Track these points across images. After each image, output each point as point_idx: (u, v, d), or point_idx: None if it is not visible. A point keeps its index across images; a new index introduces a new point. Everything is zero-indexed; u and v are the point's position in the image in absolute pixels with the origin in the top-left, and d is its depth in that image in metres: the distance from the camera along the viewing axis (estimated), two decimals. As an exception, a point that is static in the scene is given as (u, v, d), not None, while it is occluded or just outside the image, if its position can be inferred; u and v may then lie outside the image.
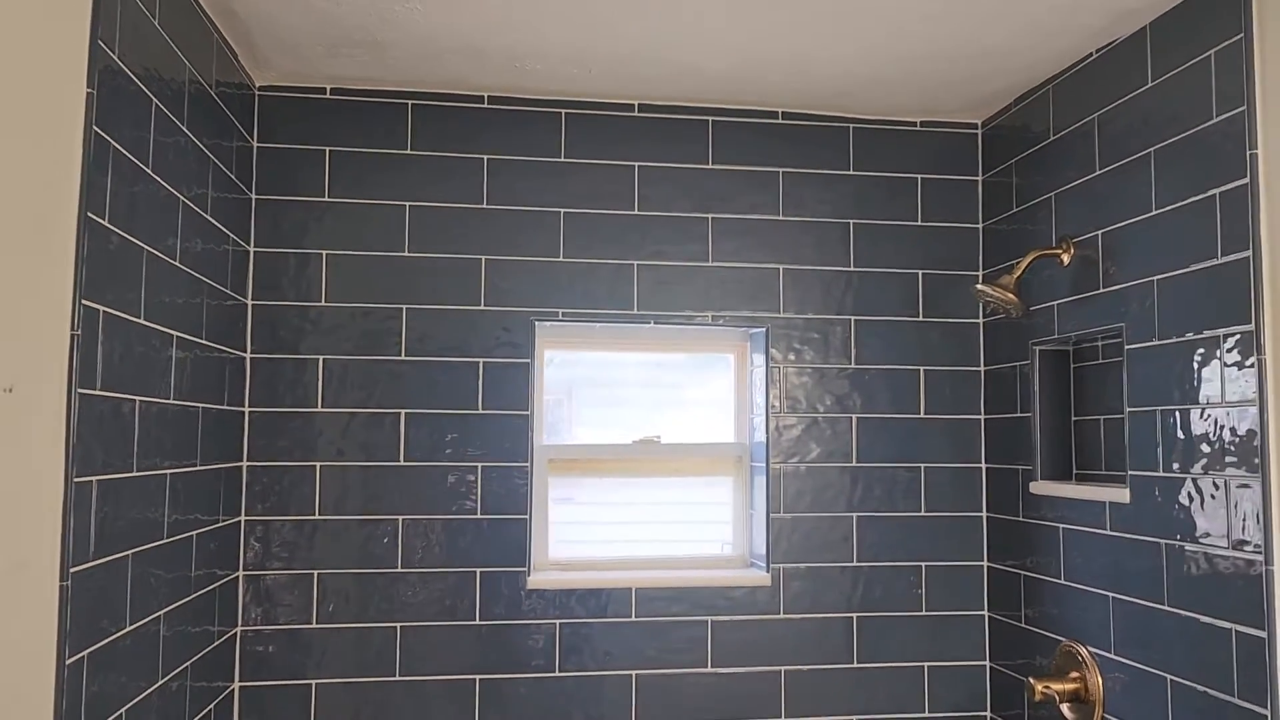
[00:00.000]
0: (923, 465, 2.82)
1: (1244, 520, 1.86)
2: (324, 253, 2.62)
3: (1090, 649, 2.33)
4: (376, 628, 2.57)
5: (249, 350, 2.57)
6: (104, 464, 1.64)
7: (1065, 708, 2.38)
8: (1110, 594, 2.26)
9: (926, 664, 2.77)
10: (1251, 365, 1.85)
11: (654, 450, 2.87)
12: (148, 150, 1.82)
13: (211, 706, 2.31)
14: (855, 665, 2.74)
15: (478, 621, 2.60)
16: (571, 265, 2.71)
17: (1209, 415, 1.95)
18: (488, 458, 2.64)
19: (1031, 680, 2.35)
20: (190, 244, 2.08)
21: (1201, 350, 1.97)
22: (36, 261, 1.45)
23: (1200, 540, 1.97)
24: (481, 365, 2.66)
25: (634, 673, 2.65)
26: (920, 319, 2.85)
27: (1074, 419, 2.60)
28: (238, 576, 2.52)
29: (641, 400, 2.97)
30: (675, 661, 2.67)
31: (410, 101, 2.68)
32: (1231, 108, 1.91)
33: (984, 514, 2.83)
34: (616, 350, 2.92)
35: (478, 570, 2.61)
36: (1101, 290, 2.30)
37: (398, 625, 2.58)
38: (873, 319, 2.83)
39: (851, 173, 2.85)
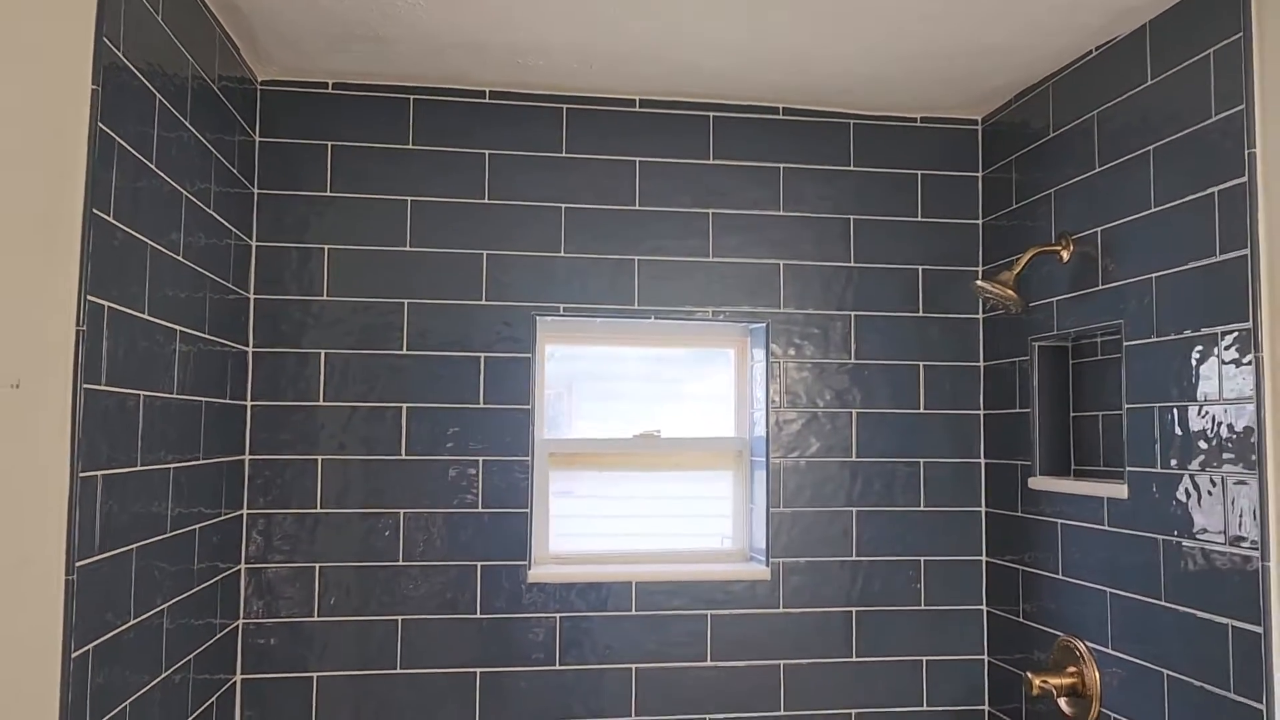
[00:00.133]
0: (922, 460, 2.83)
1: (1241, 516, 1.87)
2: (325, 247, 2.63)
3: (1088, 644, 2.34)
4: (378, 621, 2.58)
5: (251, 344, 2.58)
6: (109, 458, 1.65)
7: (1063, 702, 2.39)
8: (1108, 589, 2.27)
9: (925, 658, 2.79)
10: (1249, 362, 1.86)
11: (654, 444, 2.88)
12: (151, 146, 1.83)
13: (214, 699, 2.32)
14: (854, 659, 2.76)
15: (478, 615, 2.62)
16: (572, 260, 2.72)
17: (1207, 412, 1.96)
18: (488, 452, 2.65)
19: (1029, 675, 2.37)
20: (193, 239, 2.09)
21: (1200, 347, 1.99)
22: (42, 258, 1.46)
23: (1197, 536, 1.98)
24: (482, 359, 2.67)
25: (634, 666, 2.67)
26: (920, 314, 2.86)
27: (1073, 415, 2.61)
28: (240, 570, 2.54)
29: (641, 395, 2.98)
30: (675, 655, 2.69)
31: (412, 96, 2.68)
32: (1230, 106, 1.92)
33: (983, 509, 2.85)
34: (617, 345, 2.93)
35: (479, 564, 2.63)
36: (1101, 287, 2.31)
37: (399, 618, 2.59)
38: (873, 314, 2.84)
39: (852, 168, 2.85)
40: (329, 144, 2.64)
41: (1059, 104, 2.51)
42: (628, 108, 2.77)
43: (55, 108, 1.49)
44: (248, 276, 2.57)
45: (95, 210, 1.57)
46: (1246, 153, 1.87)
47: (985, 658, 2.81)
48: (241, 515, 2.54)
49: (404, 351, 2.64)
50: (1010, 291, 2.46)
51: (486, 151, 2.70)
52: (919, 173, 2.88)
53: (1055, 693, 2.37)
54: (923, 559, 2.81)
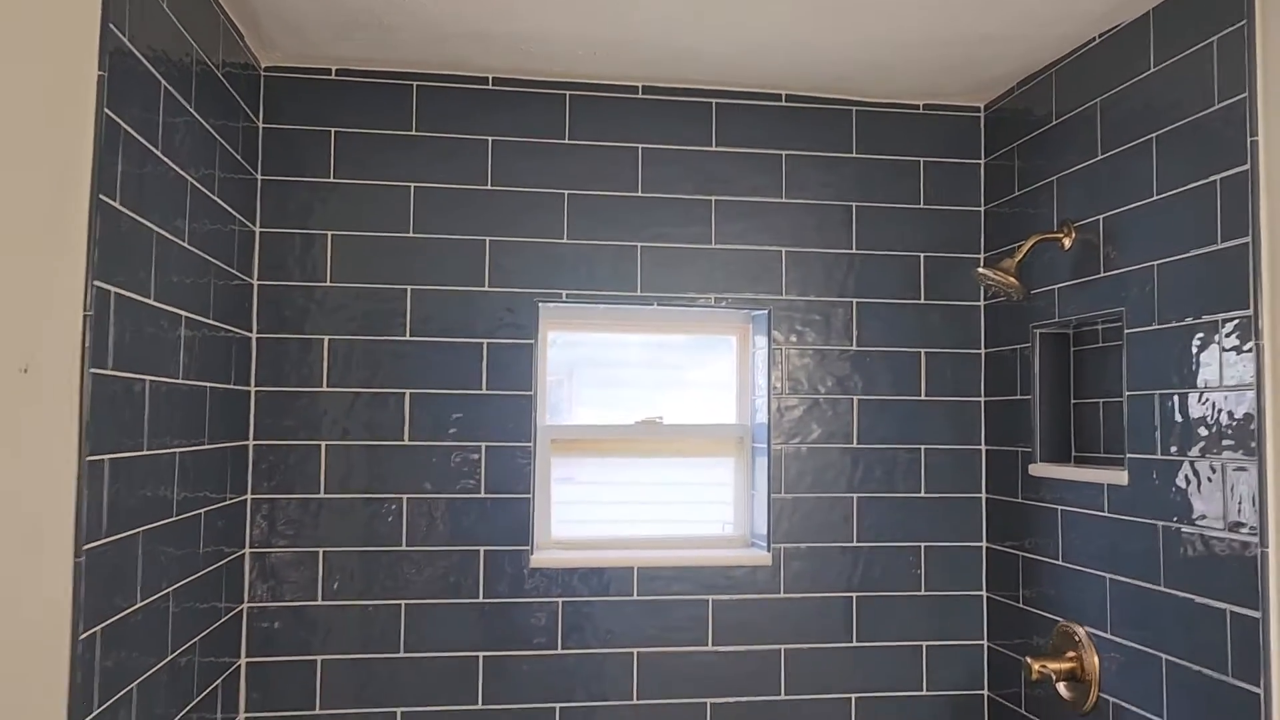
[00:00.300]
0: (923, 447, 2.84)
1: (1240, 502, 1.88)
2: (329, 233, 2.63)
3: (1087, 629, 2.36)
4: (381, 605, 2.60)
5: (255, 330, 2.59)
6: (116, 443, 1.67)
7: (1061, 687, 2.41)
8: (1107, 575, 2.29)
9: (925, 643, 2.81)
10: (1249, 350, 1.87)
11: (656, 431, 2.89)
12: (156, 132, 1.83)
13: (219, 681, 2.34)
14: (854, 644, 2.78)
15: (481, 599, 2.63)
16: (575, 247, 2.73)
17: (1207, 399, 1.97)
18: (491, 437, 2.66)
19: (1029, 659, 2.38)
20: (198, 224, 2.10)
21: (1200, 335, 1.99)
22: (50, 243, 1.47)
23: (1197, 522, 1.99)
24: (485, 346, 2.67)
25: (635, 650, 2.69)
26: (921, 301, 2.86)
27: (1073, 402, 2.62)
28: (244, 554, 2.55)
29: (643, 381, 2.99)
30: (676, 640, 2.70)
31: (415, 83, 2.68)
32: (1233, 94, 1.92)
33: (983, 495, 2.86)
34: (619, 332, 2.94)
35: (481, 549, 2.64)
36: (1102, 274, 2.32)
37: (402, 603, 2.60)
38: (874, 301, 2.84)
39: (854, 155, 2.86)
40: (332, 130, 2.65)
41: (1062, 91, 2.51)
42: (630, 94, 2.77)
43: (61, 93, 1.50)
44: (251, 262, 2.57)
45: (102, 196, 1.58)
46: (1249, 140, 1.88)
47: (985, 643, 2.83)
48: (246, 500, 2.55)
49: (407, 337, 2.64)
50: (1012, 279, 2.46)
51: (489, 138, 2.70)
52: (921, 160, 2.88)
53: (1054, 677, 2.39)
54: (923, 545, 2.82)
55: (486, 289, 2.68)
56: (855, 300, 2.84)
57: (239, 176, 2.43)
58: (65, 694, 1.51)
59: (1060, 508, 2.48)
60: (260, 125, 2.62)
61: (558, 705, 2.64)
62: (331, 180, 2.64)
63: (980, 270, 2.51)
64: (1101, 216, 2.33)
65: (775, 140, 2.82)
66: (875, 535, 2.81)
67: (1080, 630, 2.38)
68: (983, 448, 2.87)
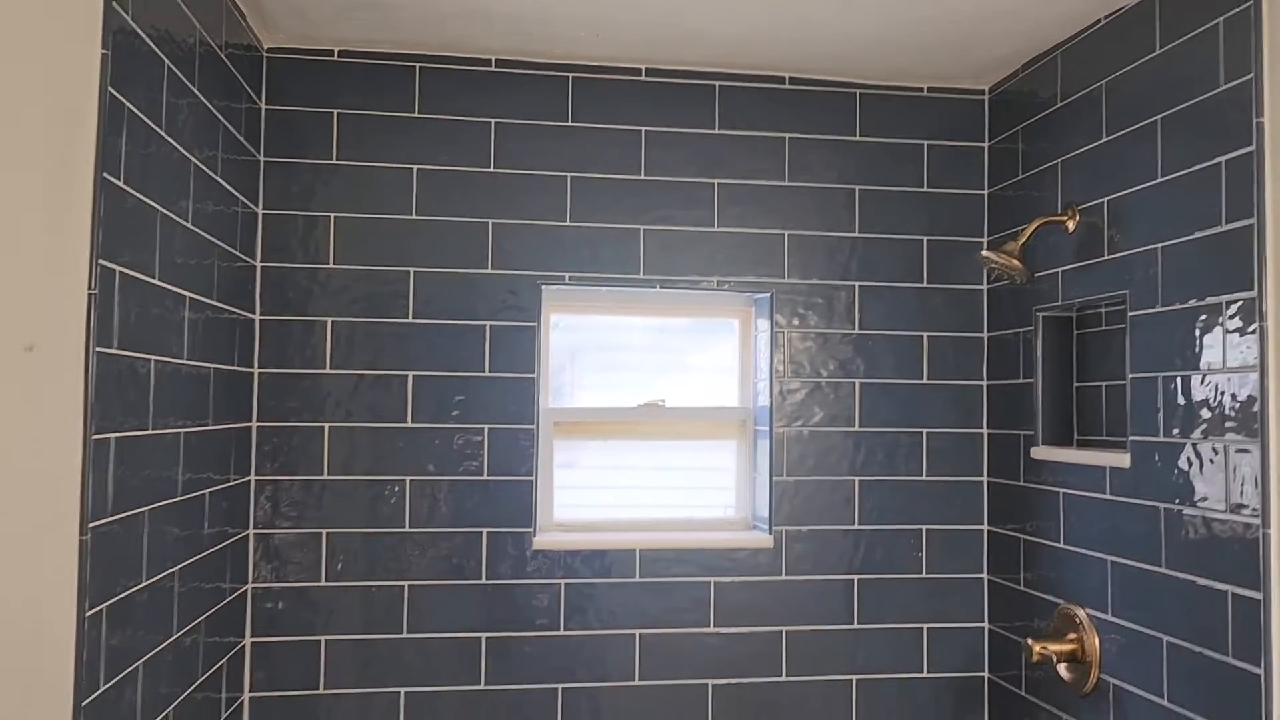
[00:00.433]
0: (925, 430, 2.85)
1: (1242, 484, 1.89)
2: (331, 215, 2.63)
3: (1088, 611, 2.37)
4: (384, 586, 2.61)
5: (258, 312, 2.59)
6: (121, 422, 1.67)
7: (1062, 668, 2.42)
8: (1109, 557, 2.29)
9: (926, 625, 2.82)
10: (1253, 331, 1.87)
11: (659, 414, 2.90)
12: (160, 112, 1.83)
13: (224, 661, 2.35)
14: (855, 626, 2.79)
15: (484, 581, 2.64)
16: (578, 229, 2.72)
17: (1210, 381, 1.98)
18: (494, 420, 2.66)
19: (1029, 641, 2.39)
20: (201, 206, 2.09)
21: (1204, 317, 1.99)
22: (55, 221, 1.47)
23: (1199, 504, 2.00)
24: (488, 328, 2.68)
25: (637, 632, 2.70)
26: (924, 285, 2.86)
27: (1076, 385, 2.62)
28: (248, 535, 2.56)
29: (645, 365, 2.99)
30: (678, 621, 2.71)
31: (418, 64, 2.67)
32: (1239, 75, 1.92)
33: (985, 479, 2.87)
34: (622, 314, 2.94)
35: (484, 530, 2.65)
36: (1106, 257, 2.32)
37: (405, 584, 2.61)
38: (877, 284, 2.84)
39: (858, 138, 2.85)
40: (335, 112, 2.64)
41: (1067, 73, 2.51)
42: (634, 77, 2.76)
43: (65, 72, 1.50)
44: (254, 244, 2.57)
45: (106, 175, 1.58)
46: (1254, 122, 1.87)
47: (985, 625, 2.84)
48: (249, 481, 2.56)
49: (409, 320, 2.65)
50: (1015, 261, 2.46)
51: (492, 120, 2.70)
52: (925, 143, 2.88)
53: (1055, 659, 2.40)
54: (924, 528, 2.83)
55: (489, 271, 2.68)
56: (858, 283, 2.84)
57: (242, 158, 2.43)
58: (71, 671, 1.52)
59: (1062, 490, 2.49)
60: (263, 107, 2.61)
61: (560, 686, 2.66)
62: (334, 162, 2.64)
63: (984, 253, 2.51)
64: (1106, 199, 2.33)
65: (778, 123, 2.82)
66: (877, 518, 2.81)
67: (1081, 612, 2.38)
68: (984, 431, 2.87)
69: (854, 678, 2.78)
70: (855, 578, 2.79)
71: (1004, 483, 2.77)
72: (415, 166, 2.66)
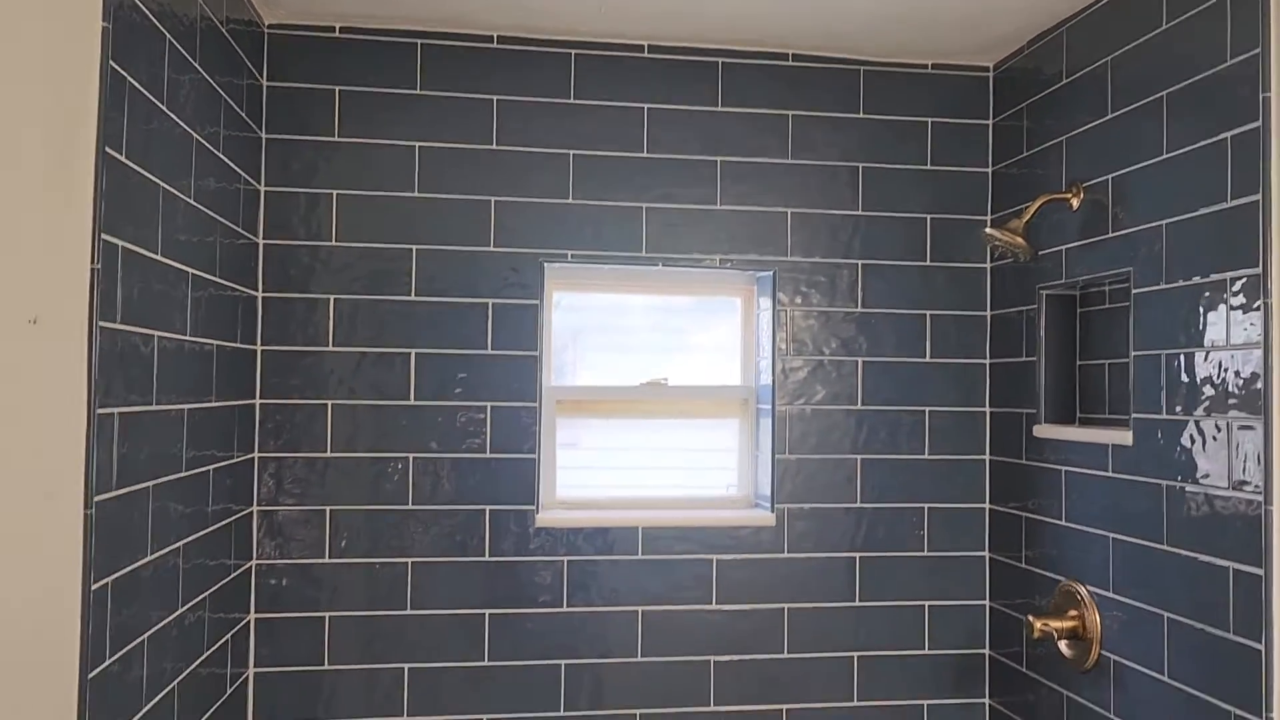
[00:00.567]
0: (927, 408, 2.85)
1: (1245, 461, 1.89)
2: (334, 192, 2.62)
3: (1089, 588, 2.37)
4: (387, 563, 2.62)
5: (260, 289, 2.58)
6: (125, 397, 1.67)
7: (1063, 645, 2.43)
8: (1110, 535, 2.30)
9: (927, 603, 2.83)
10: (1258, 308, 1.86)
11: (661, 392, 2.90)
12: (162, 87, 1.82)
13: (228, 637, 2.36)
14: (857, 604, 2.80)
15: (487, 558, 2.65)
16: (580, 207, 2.72)
17: (1213, 358, 1.97)
18: (496, 397, 2.67)
19: (1031, 618, 2.40)
20: (204, 182, 2.09)
21: (1208, 294, 1.99)
22: (57, 195, 1.47)
23: (1201, 481, 2.00)
24: (491, 306, 2.67)
25: (640, 609, 2.71)
26: (927, 263, 2.86)
27: (1079, 363, 2.62)
28: (252, 511, 2.57)
29: (647, 346, 2.99)
30: (681, 598, 2.72)
31: (420, 41, 2.66)
32: (1246, 50, 1.90)
33: (987, 457, 2.87)
34: (624, 292, 2.94)
35: (487, 508, 2.65)
36: (1110, 235, 2.31)
37: (408, 561, 2.62)
38: (880, 263, 2.84)
39: (861, 116, 2.84)
40: (336, 88, 2.63)
41: (1072, 50, 2.49)
42: (636, 53, 2.75)
43: (66, 45, 1.49)
44: (256, 221, 2.57)
45: (108, 149, 1.57)
46: (1261, 97, 1.86)
47: (987, 603, 2.85)
48: (253, 458, 2.56)
49: (412, 297, 2.64)
50: (1019, 239, 2.46)
51: (494, 97, 2.69)
52: (929, 120, 2.87)
53: (1056, 636, 2.41)
54: (926, 506, 2.84)
55: (491, 249, 2.68)
56: (860, 262, 2.83)
57: (243, 134, 2.42)
58: (77, 645, 1.52)
59: (1064, 468, 2.49)
60: (264, 83, 2.60)
61: (563, 662, 2.67)
62: (336, 139, 2.63)
63: (988, 231, 2.50)
64: (1111, 176, 2.32)
65: (781, 100, 2.80)
66: (879, 496, 2.82)
67: (1082, 589, 2.39)
68: (987, 409, 2.87)
69: (855, 655, 2.79)
70: (857, 555, 2.80)
71: (1006, 461, 2.78)
72: (417, 144, 2.65)
